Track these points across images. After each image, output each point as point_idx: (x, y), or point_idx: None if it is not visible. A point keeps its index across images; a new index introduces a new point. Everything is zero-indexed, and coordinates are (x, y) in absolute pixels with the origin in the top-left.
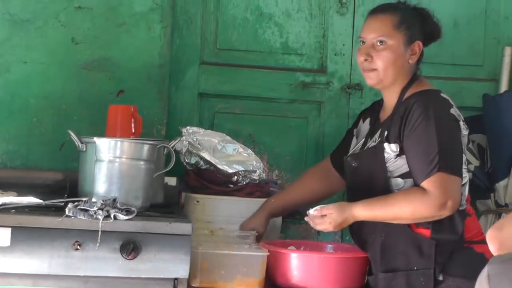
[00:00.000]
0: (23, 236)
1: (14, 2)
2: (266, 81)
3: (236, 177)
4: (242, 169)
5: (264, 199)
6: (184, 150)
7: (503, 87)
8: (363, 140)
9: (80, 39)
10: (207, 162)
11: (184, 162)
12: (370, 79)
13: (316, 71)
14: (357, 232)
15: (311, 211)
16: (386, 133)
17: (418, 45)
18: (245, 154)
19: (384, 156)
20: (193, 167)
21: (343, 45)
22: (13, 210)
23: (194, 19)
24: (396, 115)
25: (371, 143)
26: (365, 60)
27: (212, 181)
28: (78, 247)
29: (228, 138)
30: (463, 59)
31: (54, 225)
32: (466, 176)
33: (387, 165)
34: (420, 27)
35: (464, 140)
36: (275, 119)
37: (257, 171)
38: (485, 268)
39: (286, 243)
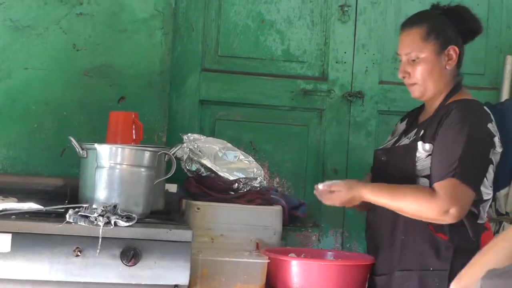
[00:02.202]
0: (23, 242)
1: (16, 8)
2: (267, 88)
3: (236, 184)
4: (243, 176)
5: (265, 206)
6: (185, 157)
7: (504, 95)
8: (397, 137)
9: (81, 46)
10: (208, 169)
11: (185, 169)
12: (414, 93)
13: (317, 78)
14: (374, 228)
15: (320, 186)
16: (422, 132)
17: (453, 49)
18: (246, 161)
19: (415, 156)
20: (193, 174)
21: (345, 52)
22: (14, 216)
23: (196, 26)
24: (435, 117)
25: (404, 140)
26: (403, 77)
27: (213, 188)
28: (79, 253)
29: (229, 145)
30: (464, 67)
31: (55, 231)
32: (491, 193)
33: (417, 164)
34: (454, 29)
35: (497, 157)
36: (276, 127)
37: (258, 178)
38: (478, 282)
39: (287, 250)
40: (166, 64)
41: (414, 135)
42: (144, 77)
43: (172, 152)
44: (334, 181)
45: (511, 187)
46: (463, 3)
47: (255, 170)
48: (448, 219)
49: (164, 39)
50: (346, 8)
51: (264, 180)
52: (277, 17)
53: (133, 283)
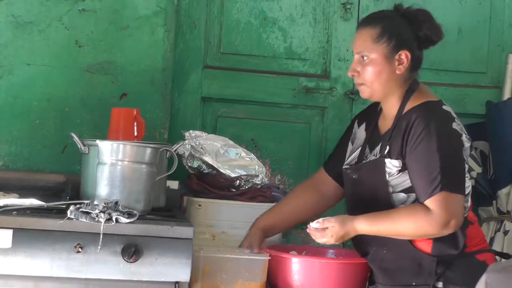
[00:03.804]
0: (24, 238)
1: (18, 5)
2: (269, 85)
3: (238, 181)
4: (245, 173)
5: (266, 204)
6: (186, 154)
7: (506, 94)
8: (360, 148)
9: (84, 42)
10: (209, 166)
11: (186, 166)
12: (362, 93)
13: (320, 76)
14: (359, 243)
15: (313, 224)
16: (387, 148)
17: (405, 54)
18: (248, 159)
19: (385, 171)
20: (195, 171)
21: (347, 50)
22: (15, 212)
23: (198, 23)
24: (397, 130)
25: (371, 157)
26: (353, 75)
27: (214, 185)
28: (80, 249)
29: (230, 142)
30: (466, 66)
31: (56, 227)
32: (469, 185)
33: (389, 179)
34: (410, 34)
35: (467, 152)
36: (277, 124)
37: (260, 175)
38: (483, 276)
39: (288, 247)
40: (168, 61)
41: (379, 151)
42: (146, 74)
43: (174, 149)
44: (326, 218)
45: None
46: (465, 2)
47: (257, 168)
48: (449, 231)
49: (167, 36)
50: (348, 6)
51: (266, 177)
52: (279, 14)
53: (134, 279)
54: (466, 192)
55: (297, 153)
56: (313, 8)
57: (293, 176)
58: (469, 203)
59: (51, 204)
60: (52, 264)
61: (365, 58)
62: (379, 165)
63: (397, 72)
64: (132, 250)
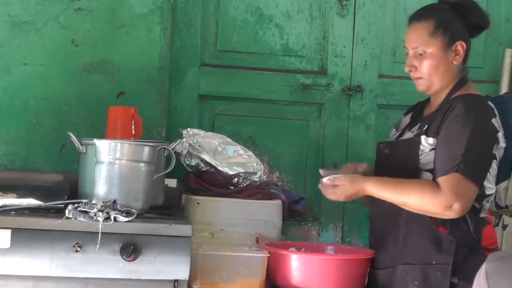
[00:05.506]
0: (23, 238)
1: (14, 4)
2: (266, 83)
3: (236, 179)
4: (243, 171)
5: (264, 201)
6: (184, 152)
7: (504, 88)
8: (401, 131)
9: (80, 41)
10: (207, 164)
11: (184, 164)
12: (419, 86)
13: (317, 73)
14: (376, 222)
15: (324, 180)
16: (426, 126)
17: (460, 45)
18: (246, 156)
19: (418, 149)
20: (193, 169)
21: (344, 47)
22: (13, 212)
23: (194, 21)
24: (439, 111)
25: (408, 133)
26: (410, 70)
27: (213, 183)
28: (78, 249)
29: (228, 140)
30: None
31: (54, 227)
32: (494, 188)
33: (420, 157)
34: (462, 24)
35: (500, 152)
36: (275, 121)
37: (258, 173)
38: (483, 265)
39: (287, 244)
40: (165, 59)
41: (417, 129)
42: (143, 72)
43: (172, 147)
44: (338, 175)
45: (510, 180)
46: None
47: (255, 165)
48: (451, 214)
49: (163, 34)
50: (344, 2)
51: (264, 174)
52: (275, 11)
53: (133, 278)
54: (488, 193)
55: (295, 150)
56: (309, 4)
57: (291, 173)
58: (488, 205)
59: (49, 203)
60: (51, 263)
61: (422, 52)
62: (414, 143)
63: (454, 63)
64: (130, 248)
